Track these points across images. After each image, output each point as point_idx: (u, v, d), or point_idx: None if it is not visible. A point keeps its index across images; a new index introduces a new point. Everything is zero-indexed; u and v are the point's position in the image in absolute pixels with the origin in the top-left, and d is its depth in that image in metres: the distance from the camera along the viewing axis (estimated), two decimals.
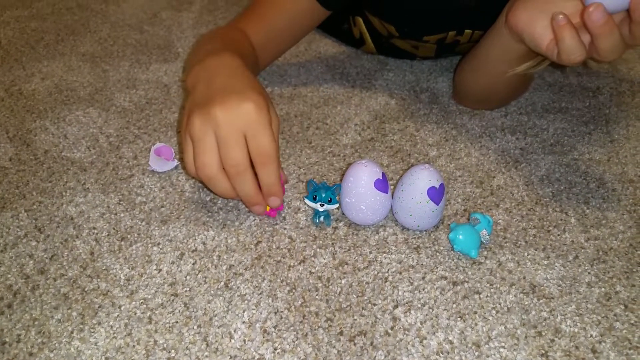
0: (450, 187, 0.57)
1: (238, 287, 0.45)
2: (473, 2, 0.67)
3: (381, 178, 0.50)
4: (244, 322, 0.42)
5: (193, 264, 0.48)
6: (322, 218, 0.52)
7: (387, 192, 0.51)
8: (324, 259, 0.48)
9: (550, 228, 0.52)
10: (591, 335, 0.42)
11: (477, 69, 0.65)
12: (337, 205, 0.51)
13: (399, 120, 0.68)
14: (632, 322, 0.43)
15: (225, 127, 0.45)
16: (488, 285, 0.46)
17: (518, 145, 0.64)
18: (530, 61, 0.58)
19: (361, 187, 0.50)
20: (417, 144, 0.64)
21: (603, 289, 0.46)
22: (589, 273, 0.48)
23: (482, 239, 0.49)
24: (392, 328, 0.42)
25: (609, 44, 0.46)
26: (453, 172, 0.59)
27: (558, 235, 0.52)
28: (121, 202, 0.55)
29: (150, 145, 0.63)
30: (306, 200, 0.52)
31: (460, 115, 0.69)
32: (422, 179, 0.49)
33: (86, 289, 0.45)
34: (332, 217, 0.53)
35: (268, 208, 0.51)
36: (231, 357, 0.40)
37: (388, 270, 0.47)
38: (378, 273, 0.47)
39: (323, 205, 0.51)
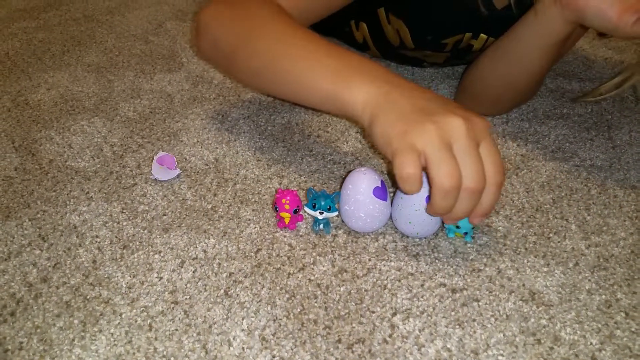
0: None
1: (237, 295, 0.46)
2: (500, 8, 0.66)
3: (380, 186, 0.50)
4: (243, 330, 0.43)
5: (193, 271, 0.48)
6: (321, 226, 0.52)
7: (386, 200, 0.51)
8: (323, 266, 0.49)
9: (551, 235, 0.52)
10: (591, 343, 0.42)
11: (503, 59, 0.64)
12: (336, 213, 0.52)
13: None
14: (632, 329, 0.43)
15: (466, 138, 0.43)
16: (487, 292, 0.46)
17: (519, 152, 0.64)
18: (620, 77, 0.59)
19: (360, 194, 0.50)
20: None
21: (603, 297, 0.46)
22: (589, 280, 0.47)
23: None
24: (390, 336, 0.42)
25: None
26: None
27: (558, 242, 0.51)
28: (124, 211, 0.55)
29: (154, 154, 0.64)
30: (305, 208, 0.52)
31: None
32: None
33: (88, 297, 0.46)
34: (331, 225, 0.53)
35: (287, 220, 0.52)
36: None
37: (387, 277, 0.48)
38: (377, 280, 0.47)
39: (322, 213, 0.51)
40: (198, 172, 0.61)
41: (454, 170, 0.42)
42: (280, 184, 0.59)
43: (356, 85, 0.48)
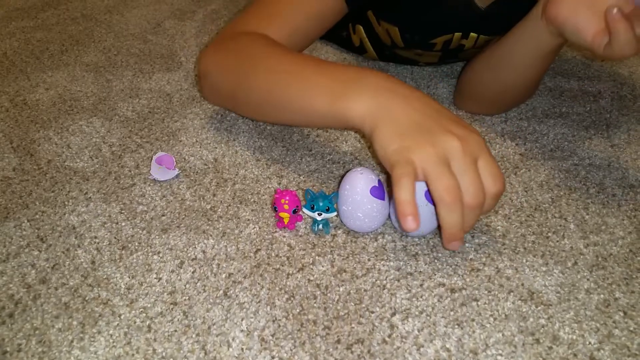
0: None
1: (237, 296, 0.46)
2: (484, 7, 0.66)
3: (377, 185, 0.50)
4: (242, 331, 0.43)
5: (192, 272, 0.48)
6: (320, 226, 0.52)
7: (383, 199, 0.51)
8: (323, 266, 0.49)
9: (549, 234, 0.52)
10: (590, 343, 0.42)
11: (499, 66, 0.64)
12: (334, 213, 0.52)
13: None
14: (631, 329, 0.43)
15: (463, 157, 0.45)
16: (486, 292, 0.46)
17: (518, 151, 0.64)
18: None
19: (357, 194, 0.50)
20: None
21: (602, 296, 0.46)
22: (588, 279, 0.48)
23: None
24: (389, 336, 0.42)
25: None
26: None
27: (557, 241, 0.51)
28: (122, 211, 0.55)
29: (152, 154, 0.64)
30: (304, 210, 0.52)
31: None
32: (419, 183, 0.48)
33: (87, 298, 0.46)
34: (331, 225, 0.53)
35: (287, 220, 0.52)
36: None
37: (386, 277, 0.48)
38: (376, 280, 0.47)
39: (321, 214, 0.51)
40: (197, 172, 0.61)
41: (453, 185, 0.44)
42: (279, 183, 0.59)
43: (352, 99, 0.49)
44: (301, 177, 0.60)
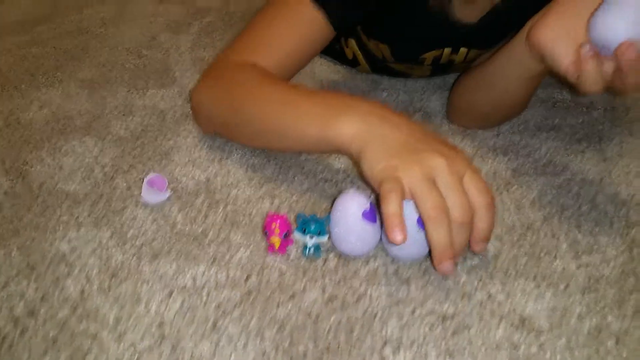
0: None
1: (226, 327, 0.45)
2: (473, 22, 0.66)
3: (369, 208, 0.50)
4: None
5: (182, 302, 0.48)
6: (311, 250, 0.52)
7: (375, 222, 0.51)
8: (314, 293, 0.48)
9: (541, 255, 0.52)
10: None
11: (488, 86, 0.64)
12: (326, 237, 0.51)
13: None
14: (623, 355, 0.43)
15: (448, 174, 0.46)
16: (478, 319, 0.46)
17: (510, 166, 0.64)
18: None
19: (349, 217, 0.50)
20: None
21: (594, 320, 0.46)
22: (579, 303, 0.47)
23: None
24: None
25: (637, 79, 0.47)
26: None
27: (549, 262, 0.51)
28: (113, 237, 0.55)
29: (144, 175, 0.63)
30: (295, 233, 0.52)
31: (453, 136, 0.69)
32: (411, 208, 0.48)
33: (75, 332, 0.45)
34: (322, 248, 0.53)
35: (277, 245, 0.52)
36: None
37: (377, 304, 0.47)
38: (367, 308, 0.47)
39: (312, 237, 0.51)
40: (189, 193, 0.61)
41: (438, 201, 0.44)
42: (271, 204, 0.59)
43: (342, 122, 0.51)
44: (293, 197, 0.60)
